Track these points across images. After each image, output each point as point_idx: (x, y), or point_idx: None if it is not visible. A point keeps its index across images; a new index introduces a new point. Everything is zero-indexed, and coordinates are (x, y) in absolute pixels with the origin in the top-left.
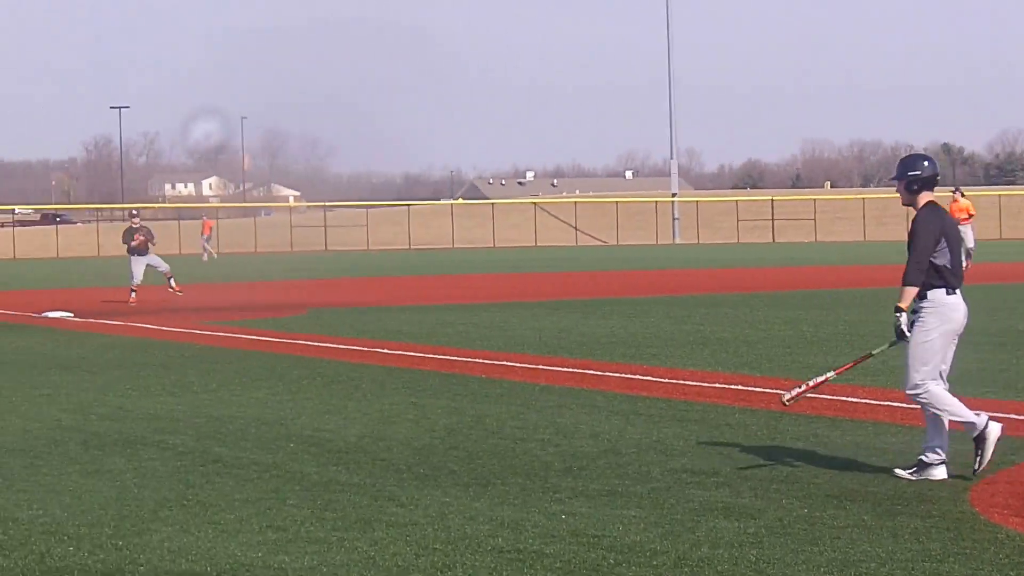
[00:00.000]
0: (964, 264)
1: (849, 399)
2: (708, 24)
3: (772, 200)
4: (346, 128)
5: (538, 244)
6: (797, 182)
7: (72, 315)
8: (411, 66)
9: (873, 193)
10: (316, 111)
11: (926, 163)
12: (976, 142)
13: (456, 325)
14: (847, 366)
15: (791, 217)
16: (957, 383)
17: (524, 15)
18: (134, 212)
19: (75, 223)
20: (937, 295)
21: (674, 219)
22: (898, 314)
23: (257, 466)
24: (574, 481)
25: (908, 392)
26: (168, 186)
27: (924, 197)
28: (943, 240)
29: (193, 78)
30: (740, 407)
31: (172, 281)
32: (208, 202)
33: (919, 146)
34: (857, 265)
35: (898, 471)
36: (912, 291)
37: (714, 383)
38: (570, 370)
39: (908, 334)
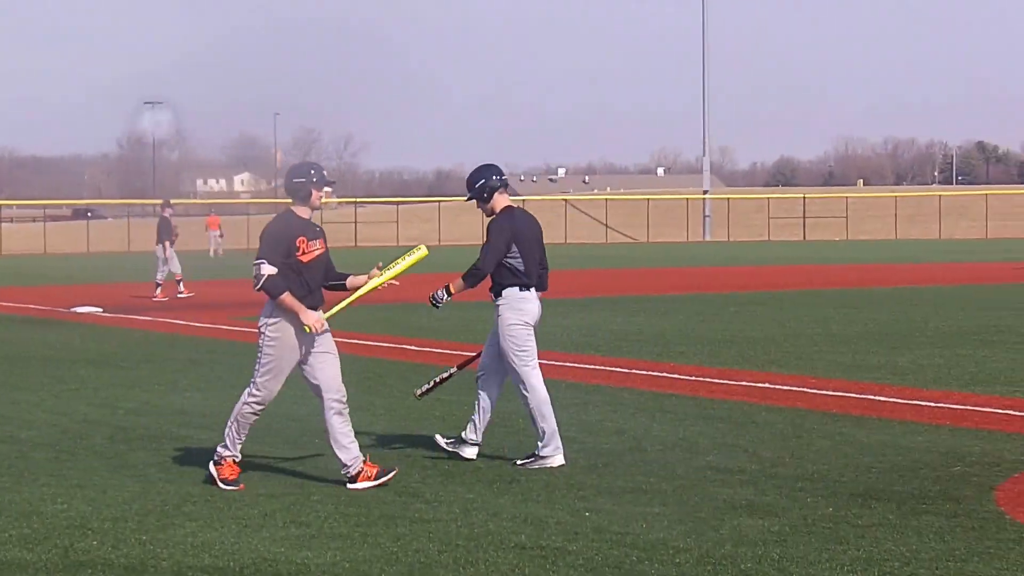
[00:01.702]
0: None
1: (877, 398)
2: (742, 21)
3: (804, 197)
4: (377, 124)
5: (568, 241)
6: (830, 180)
7: (101, 310)
8: (440, 60)
9: (906, 191)
10: (347, 107)
11: (489, 172)
12: (1011, 140)
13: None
14: (466, 362)
15: (823, 215)
16: (985, 383)
17: (556, 10)
18: (170, 202)
19: (106, 218)
20: (511, 292)
21: (705, 216)
22: (441, 292)
23: (282, 461)
24: (598, 478)
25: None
26: (200, 182)
27: (500, 202)
28: (514, 245)
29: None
30: (766, 405)
31: (181, 284)
32: (239, 198)
33: (953, 144)
34: (888, 264)
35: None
36: (461, 284)
37: (741, 381)
38: (597, 367)
39: (439, 303)
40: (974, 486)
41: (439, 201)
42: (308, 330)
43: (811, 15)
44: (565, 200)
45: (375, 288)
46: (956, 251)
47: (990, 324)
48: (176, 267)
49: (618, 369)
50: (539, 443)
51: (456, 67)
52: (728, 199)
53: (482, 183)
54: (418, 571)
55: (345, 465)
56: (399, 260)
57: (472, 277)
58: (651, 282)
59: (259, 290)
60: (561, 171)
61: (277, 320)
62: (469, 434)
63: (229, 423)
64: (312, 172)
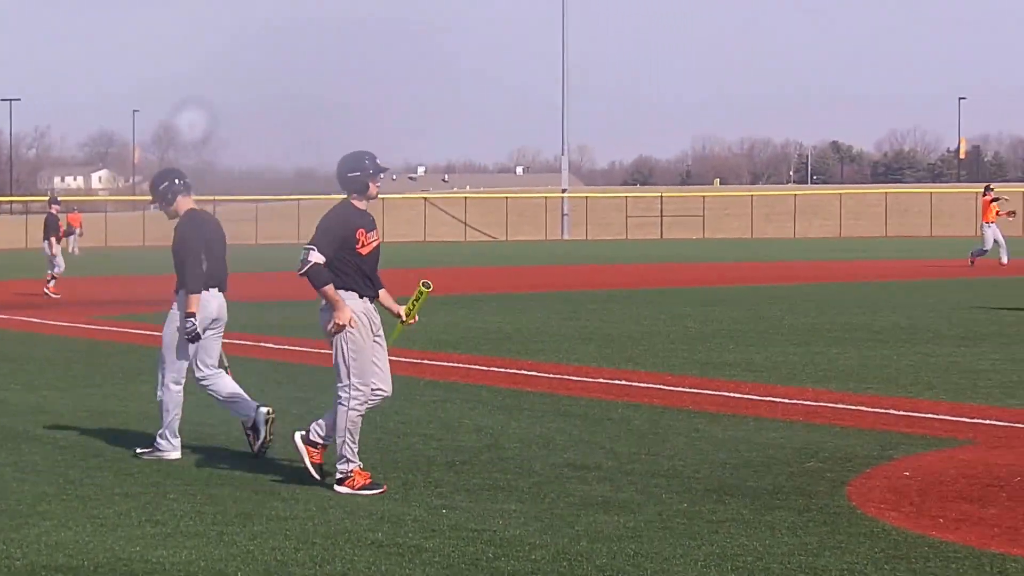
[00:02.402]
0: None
1: (732, 394)
2: (602, 21)
3: (661, 196)
4: (241, 121)
5: (428, 239)
6: (687, 179)
7: None
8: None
9: (762, 190)
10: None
11: (171, 175)
12: (865, 140)
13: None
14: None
15: (680, 214)
16: (838, 380)
17: (415, 7)
18: (57, 199)
19: None
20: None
21: (564, 215)
22: (190, 319)
23: (139, 461)
24: (456, 476)
25: (198, 379)
26: (57, 179)
27: (183, 204)
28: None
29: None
30: (623, 402)
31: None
32: (97, 195)
33: (808, 144)
34: (744, 262)
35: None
36: (196, 297)
37: (598, 378)
38: (455, 365)
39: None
40: (826, 481)
41: (299, 199)
42: (332, 327)
43: (668, 14)
44: (425, 198)
45: (401, 331)
46: (810, 249)
47: (843, 322)
48: (60, 265)
49: (476, 367)
50: (159, 433)
51: (332, 64)
52: (586, 198)
53: (166, 186)
54: (274, 569)
55: (322, 436)
56: (410, 303)
57: (187, 284)
58: (510, 280)
59: (302, 275)
60: (421, 169)
61: (354, 311)
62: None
63: (341, 439)
64: (367, 162)
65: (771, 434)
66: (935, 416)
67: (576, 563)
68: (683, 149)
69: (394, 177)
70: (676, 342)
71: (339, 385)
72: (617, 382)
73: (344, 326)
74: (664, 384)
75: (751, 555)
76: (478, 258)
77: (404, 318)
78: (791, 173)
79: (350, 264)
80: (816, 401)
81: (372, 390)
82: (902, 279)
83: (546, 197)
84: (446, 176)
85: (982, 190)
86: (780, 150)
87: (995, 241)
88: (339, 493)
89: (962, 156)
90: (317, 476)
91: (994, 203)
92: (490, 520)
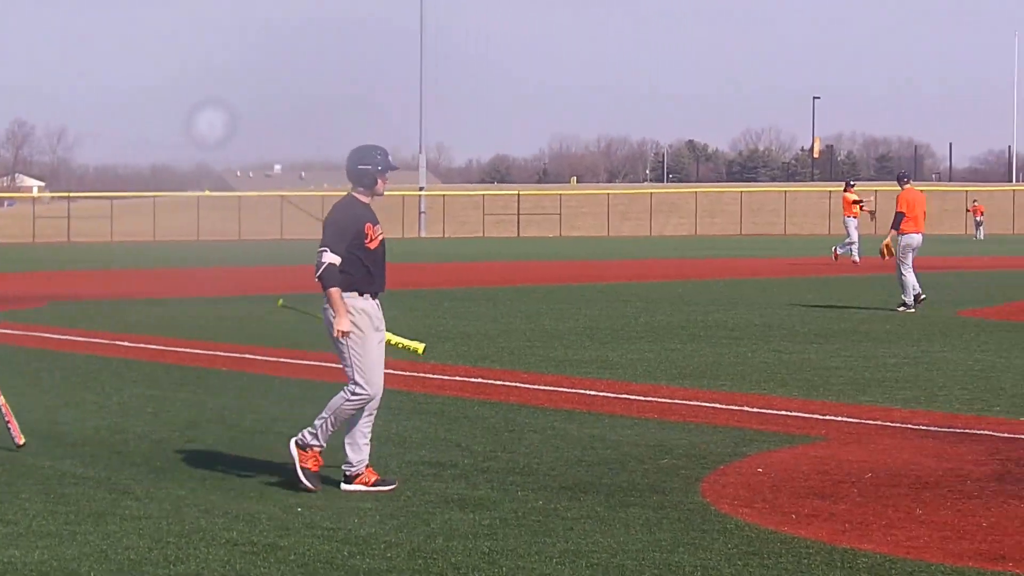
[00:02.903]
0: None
1: (587, 392)
2: (459, 19)
3: (518, 194)
4: (95, 119)
5: (285, 237)
6: (544, 177)
7: None
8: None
9: (618, 188)
10: (62, 101)
11: None
12: (720, 140)
13: (199, 318)
14: None
15: (536, 212)
16: (692, 377)
17: (272, 5)
18: None
19: None
20: None
21: (421, 213)
22: None
23: None
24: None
25: None
26: None
27: None
28: None
29: None
30: (479, 400)
31: None
32: None
33: (665, 143)
34: (600, 260)
35: None
36: None
37: (454, 376)
38: (309, 363)
39: None
40: (681, 478)
41: (155, 196)
42: (337, 334)
43: (527, 13)
44: (281, 196)
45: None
46: (666, 248)
47: (697, 319)
48: None
49: (330, 365)
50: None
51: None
52: (444, 196)
53: None
54: (128, 568)
55: (351, 464)
56: (403, 343)
57: None
58: None
59: (317, 277)
60: (277, 167)
61: (357, 309)
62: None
63: (324, 416)
64: (378, 157)
65: (626, 431)
66: (788, 413)
67: (432, 560)
68: (540, 147)
69: (251, 175)
70: (532, 340)
71: (349, 380)
72: (473, 380)
73: (346, 333)
74: (520, 382)
75: (605, 552)
76: None
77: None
78: (647, 171)
79: (358, 261)
80: (671, 398)
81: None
82: (756, 277)
83: (403, 195)
84: (303, 173)
85: (843, 186)
86: (637, 148)
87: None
88: (288, 451)
89: (816, 155)
90: (388, 487)
91: (856, 204)
92: (345, 518)
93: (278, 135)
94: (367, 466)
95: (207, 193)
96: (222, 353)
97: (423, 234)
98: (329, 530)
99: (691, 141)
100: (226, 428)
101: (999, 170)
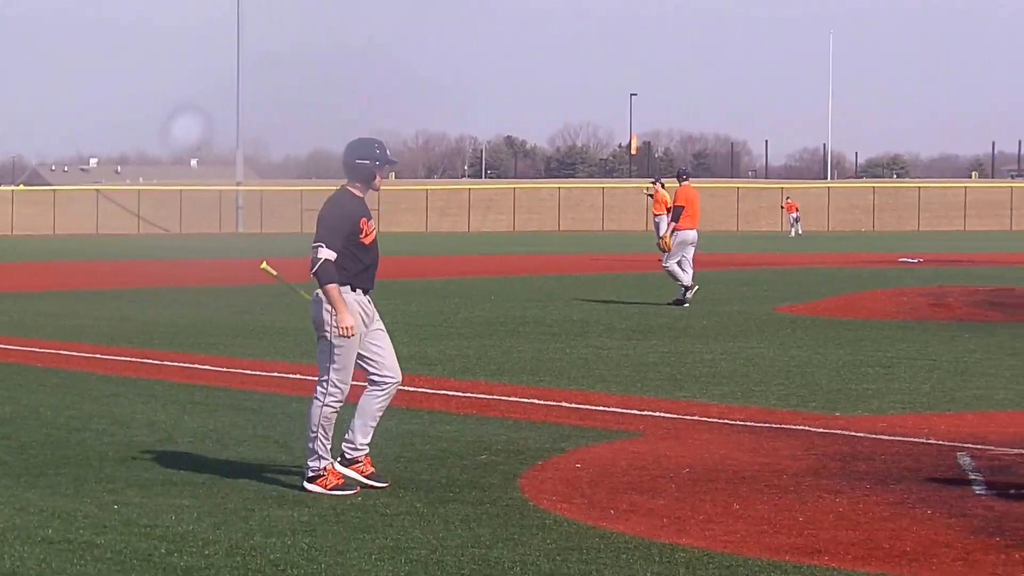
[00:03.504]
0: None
1: (406, 388)
2: (277, 12)
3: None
4: None
5: (100, 232)
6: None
7: None
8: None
9: (437, 184)
10: None
11: None
12: (538, 136)
13: (13, 313)
14: None
15: None
16: (511, 373)
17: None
18: None
19: None
20: None
21: (238, 208)
22: None
23: None
24: (128, 471)
25: None
26: None
27: None
28: None
29: None
30: (298, 396)
31: None
32: None
33: (483, 139)
34: (419, 256)
35: None
36: None
37: (272, 372)
38: (128, 359)
39: None
40: (500, 474)
41: None
42: (341, 331)
43: (345, 7)
44: (97, 190)
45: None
46: (485, 243)
47: (516, 315)
48: None
49: (150, 361)
50: None
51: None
52: (261, 191)
53: None
54: None
55: (355, 447)
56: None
57: None
58: (184, 273)
59: (313, 273)
60: (93, 161)
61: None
62: None
63: (313, 435)
64: (377, 151)
65: (445, 427)
66: (606, 408)
67: (250, 557)
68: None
69: (65, 169)
70: None
71: (319, 380)
72: (291, 376)
73: (349, 328)
74: None
75: (425, 548)
76: (151, 251)
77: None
78: (466, 168)
79: (352, 256)
80: (490, 394)
81: (381, 377)
82: (575, 273)
83: (220, 190)
84: (119, 168)
85: (652, 183)
86: (455, 144)
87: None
88: (308, 491)
89: (633, 152)
90: (380, 484)
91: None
92: (163, 515)
93: (93, 130)
94: (366, 455)
95: (20, 188)
96: (37, 349)
97: (240, 229)
98: (146, 527)
99: (509, 137)
100: (41, 425)
101: (814, 168)
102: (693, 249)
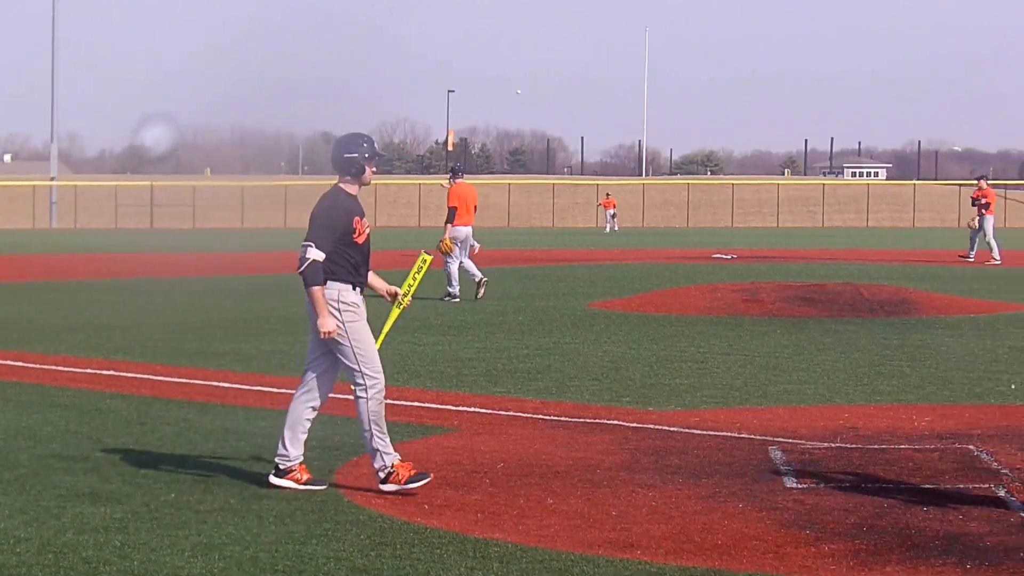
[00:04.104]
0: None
1: (221, 384)
2: (93, 5)
3: (152, 186)
4: None
5: None
6: (179, 168)
7: None
8: None
9: (254, 181)
10: None
11: None
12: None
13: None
14: None
15: (171, 204)
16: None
17: None
18: None
19: None
20: None
21: (52, 203)
22: None
23: None
24: None
25: None
26: None
27: None
28: None
29: None
30: (112, 392)
31: None
32: None
33: (301, 135)
34: (235, 252)
35: None
36: None
37: (87, 369)
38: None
39: None
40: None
41: None
42: (323, 334)
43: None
44: None
45: (400, 312)
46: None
47: None
48: None
49: (26, 364)
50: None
51: None
52: (76, 186)
53: None
54: None
55: (287, 457)
56: (411, 277)
57: None
58: None
59: (299, 273)
60: None
61: (349, 303)
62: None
63: (369, 434)
64: (364, 145)
65: (260, 423)
66: (421, 404)
67: (62, 555)
68: (174, 139)
69: None
70: (166, 332)
71: (355, 376)
72: (105, 372)
73: (329, 333)
74: (154, 374)
75: (238, 544)
76: None
77: (401, 299)
78: (282, 164)
79: (345, 255)
80: None
81: (328, 388)
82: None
83: (34, 185)
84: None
85: (449, 179)
86: (272, 141)
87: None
88: (386, 492)
89: (450, 148)
90: (320, 487)
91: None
92: None
93: None
94: (301, 463)
95: None
96: None
97: (54, 225)
98: None
99: (327, 133)
100: None
101: (630, 164)
102: (468, 245)
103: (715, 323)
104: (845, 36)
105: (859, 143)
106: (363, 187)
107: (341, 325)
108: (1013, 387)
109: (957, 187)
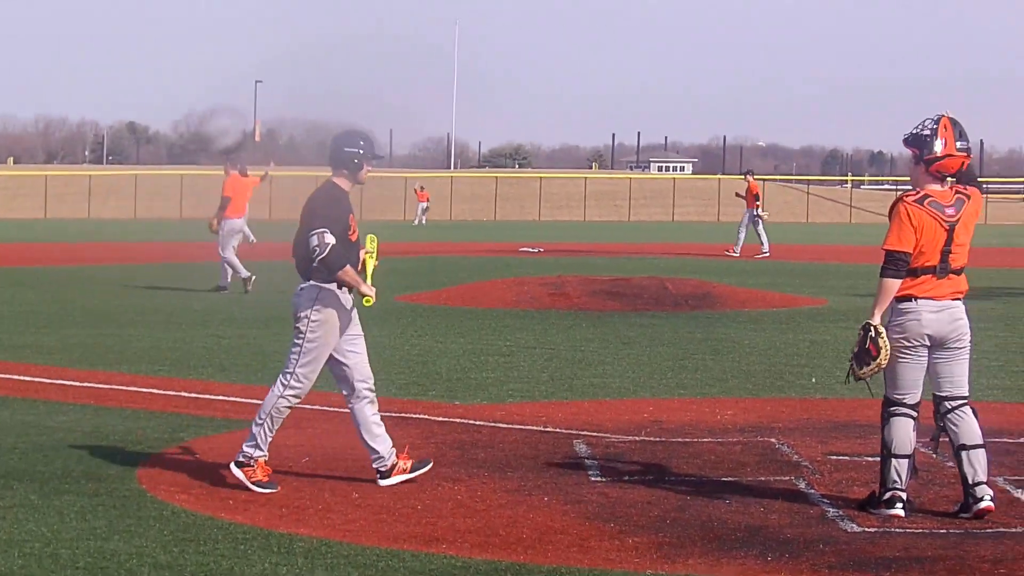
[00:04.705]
0: None
1: (22, 377)
2: None
3: None
4: None
5: None
6: None
7: None
8: None
9: (57, 170)
10: None
11: None
12: (162, 122)
13: None
14: None
15: None
16: (130, 363)
17: None
18: None
19: None
20: None
21: None
22: None
23: None
24: None
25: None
26: None
27: None
28: None
29: None
30: None
31: None
32: None
33: (105, 124)
34: (37, 243)
35: None
36: None
37: None
38: None
39: None
40: (117, 465)
41: None
42: (368, 302)
43: None
44: None
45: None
46: (105, 231)
47: (136, 304)
48: None
49: None
50: None
51: None
52: None
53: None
54: None
55: (380, 456)
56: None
57: None
58: None
59: (321, 260)
60: None
61: (323, 304)
62: None
63: (260, 421)
64: (363, 143)
65: (61, 418)
66: (226, 398)
67: None
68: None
69: None
70: None
71: (283, 372)
72: None
73: (370, 298)
74: None
75: (39, 541)
76: None
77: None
78: (87, 153)
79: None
80: (108, 384)
81: (358, 382)
82: (195, 261)
83: None
84: None
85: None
86: (76, 129)
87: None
88: (232, 475)
89: (257, 139)
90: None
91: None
92: None
93: None
94: (398, 453)
95: None
96: None
97: None
98: None
99: (131, 123)
100: None
101: (438, 157)
102: (240, 237)
103: (521, 316)
104: (652, 34)
105: (665, 138)
106: (356, 185)
107: (307, 326)
108: (814, 380)
109: (761, 182)
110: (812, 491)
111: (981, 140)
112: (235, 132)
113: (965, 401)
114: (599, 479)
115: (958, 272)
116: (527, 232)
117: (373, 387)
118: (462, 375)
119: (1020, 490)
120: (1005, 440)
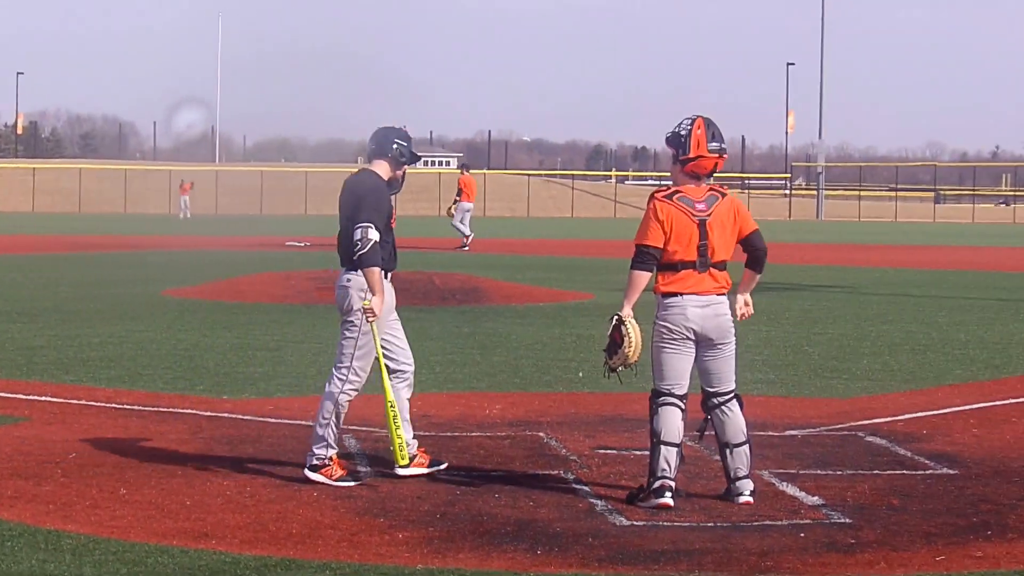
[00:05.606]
0: None
1: None
2: None
3: None
4: None
5: None
6: None
7: None
8: None
9: None
10: None
11: None
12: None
13: None
14: None
15: None
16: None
17: None
18: None
19: None
20: None
21: None
22: None
23: None
24: None
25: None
26: None
27: None
28: None
29: None
30: None
31: None
32: None
33: None
34: None
35: None
36: None
37: None
38: None
39: None
40: None
41: None
42: (363, 310)
43: None
44: None
45: None
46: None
47: None
48: None
49: None
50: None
51: None
52: None
53: None
54: None
55: (407, 443)
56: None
57: None
58: None
59: (360, 254)
60: None
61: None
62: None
63: (324, 422)
64: (405, 143)
65: None
66: None
67: None
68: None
69: None
70: None
71: (337, 367)
72: None
73: (370, 311)
74: None
75: None
76: None
77: None
78: None
79: (382, 241)
80: None
81: (398, 366)
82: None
83: None
84: None
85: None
86: None
87: None
88: (312, 480)
89: (19, 132)
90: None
91: None
92: None
93: None
94: (419, 447)
95: None
96: None
97: None
98: None
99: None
100: None
101: (203, 150)
102: None
103: (289, 311)
104: (419, 24)
105: (431, 132)
106: (387, 178)
107: (360, 317)
108: (581, 375)
109: (527, 177)
110: (581, 485)
111: (743, 136)
112: (199, 125)
113: (732, 395)
114: (368, 472)
115: (720, 267)
116: (294, 226)
117: (414, 370)
118: (230, 370)
119: (785, 483)
120: (770, 434)
